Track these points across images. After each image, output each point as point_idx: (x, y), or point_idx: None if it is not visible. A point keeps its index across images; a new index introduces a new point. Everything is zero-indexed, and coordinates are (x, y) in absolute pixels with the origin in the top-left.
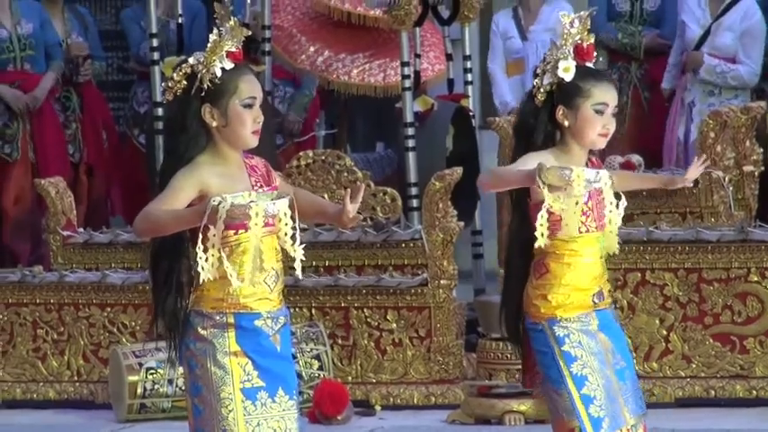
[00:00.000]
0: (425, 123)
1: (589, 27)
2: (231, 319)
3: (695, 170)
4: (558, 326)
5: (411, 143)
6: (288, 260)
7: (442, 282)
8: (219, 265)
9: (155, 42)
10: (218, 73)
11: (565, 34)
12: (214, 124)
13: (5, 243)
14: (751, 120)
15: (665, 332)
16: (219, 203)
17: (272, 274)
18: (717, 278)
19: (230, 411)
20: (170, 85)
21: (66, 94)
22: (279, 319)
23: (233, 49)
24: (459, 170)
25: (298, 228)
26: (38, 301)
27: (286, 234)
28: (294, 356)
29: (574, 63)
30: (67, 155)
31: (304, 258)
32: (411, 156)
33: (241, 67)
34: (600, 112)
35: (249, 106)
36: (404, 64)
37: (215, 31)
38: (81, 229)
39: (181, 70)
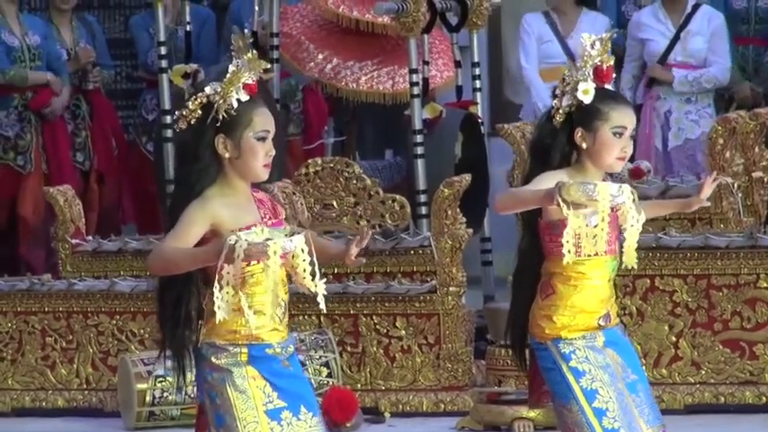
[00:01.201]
0: (434, 130)
1: (609, 49)
2: (245, 350)
3: (708, 188)
4: (564, 343)
5: (420, 150)
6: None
7: (450, 289)
8: (237, 302)
9: (163, 50)
10: (235, 104)
11: (585, 56)
12: (227, 155)
13: (21, 253)
14: (760, 126)
15: (674, 338)
16: (236, 242)
17: (282, 306)
18: (726, 284)
19: None
20: (185, 113)
21: (75, 102)
22: (288, 349)
23: (249, 82)
24: (467, 177)
25: (316, 263)
26: (46, 309)
27: (305, 270)
28: (303, 364)
29: (593, 85)
30: (76, 164)
31: (326, 293)
32: (420, 163)
33: (256, 100)
34: (618, 134)
35: (262, 139)
36: (412, 71)
37: (233, 62)
38: (90, 237)
39: (196, 99)
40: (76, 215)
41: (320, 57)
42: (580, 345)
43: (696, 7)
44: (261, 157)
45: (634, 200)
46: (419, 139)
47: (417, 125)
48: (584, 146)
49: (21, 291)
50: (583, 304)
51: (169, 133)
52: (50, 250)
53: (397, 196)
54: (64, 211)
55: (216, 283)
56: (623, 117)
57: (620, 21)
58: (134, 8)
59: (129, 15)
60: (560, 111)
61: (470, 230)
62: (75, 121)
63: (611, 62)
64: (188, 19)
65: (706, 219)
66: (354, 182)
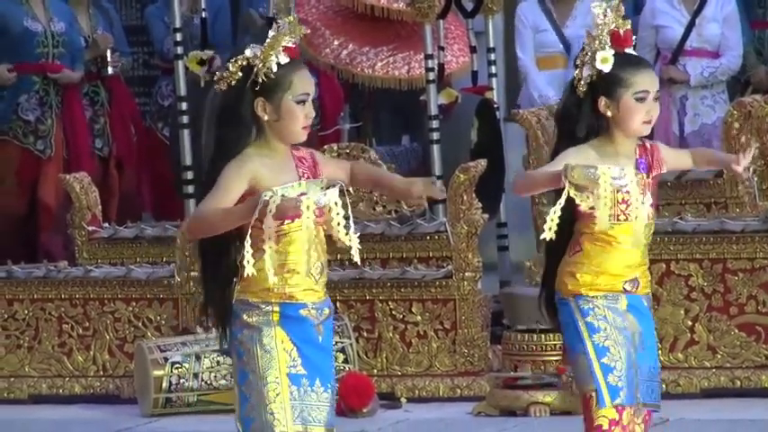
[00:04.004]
0: (450, 116)
1: (623, 13)
2: (277, 309)
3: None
4: (584, 300)
5: (435, 136)
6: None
7: (466, 274)
8: (279, 259)
9: (178, 37)
10: (274, 68)
11: (599, 24)
12: (266, 118)
13: (42, 240)
14: None
15: (690, 323)
16: (270, 197)
17: (317, 266)
18: (741, 268)
19: (277, 395)
20: (225, 75)
21: (94, 89)
22: (323, 311)
23: (290, 44)
24: (483, 162)
25: (351, 216)
26: (63, 296)
27: (339, 224)
28: None
29: (612, 52)
30: (96, 150)
31: (360, 247)
32: (436, 148)
33: (295, 62)
34: (642, 99)
35: (302, 102)
36: (428, 56)
37: (274, 25)
38: (106, 224)
39: (236, 62)
40: (93, 202)
41: (336, 43)
42: (600, 304)
43: None
44: (300, 119)
45: (638, 182)
46: (435, 124)
47: (433, 111)
48: (608, 114)
49: (37, 278)
50: (608, 267)
51: (185, 119)
52: (69, 237)
53: None
54: (80, 198)
55: (248, 238)
56: (645, 81)
57: (637, 6)
58: None
59: (145, 2)
60: (582, 81)
61: (486, 216)
62: (94, 108)
63: (628, 26)
64: (203, 6)
65: (722, 203)
66: None
